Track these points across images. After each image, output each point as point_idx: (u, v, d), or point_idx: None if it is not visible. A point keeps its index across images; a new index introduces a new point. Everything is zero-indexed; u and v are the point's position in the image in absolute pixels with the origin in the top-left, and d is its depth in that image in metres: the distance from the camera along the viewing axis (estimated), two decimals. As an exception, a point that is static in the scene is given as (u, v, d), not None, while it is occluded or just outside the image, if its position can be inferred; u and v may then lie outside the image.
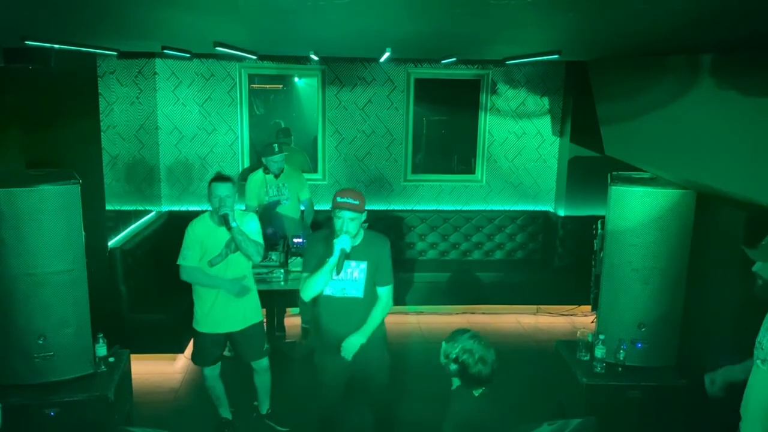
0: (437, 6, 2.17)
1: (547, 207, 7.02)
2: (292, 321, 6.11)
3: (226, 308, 3.99)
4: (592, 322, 5.24)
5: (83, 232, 3.84)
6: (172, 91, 6.40)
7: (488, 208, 6.96)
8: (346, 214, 3.28)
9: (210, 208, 3.91)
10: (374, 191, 6.75)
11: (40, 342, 3.73)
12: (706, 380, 3.13)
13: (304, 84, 8.26)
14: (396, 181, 6.87)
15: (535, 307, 6.68)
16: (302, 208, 5.75)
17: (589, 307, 5.36)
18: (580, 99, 6.25)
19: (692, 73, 3.46)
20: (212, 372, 4.19)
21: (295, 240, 5.26)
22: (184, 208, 6.61)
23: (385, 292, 3.52)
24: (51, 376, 3.80)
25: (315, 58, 6.09)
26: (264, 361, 4.21)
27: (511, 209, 6.97)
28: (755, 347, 2.78)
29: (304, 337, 5.90)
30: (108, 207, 5.64)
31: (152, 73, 6.30)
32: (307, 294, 3.46)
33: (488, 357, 2.79)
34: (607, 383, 4.10)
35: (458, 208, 6.95)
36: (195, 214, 4.08)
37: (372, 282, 3.47)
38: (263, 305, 4.38)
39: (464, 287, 6.49)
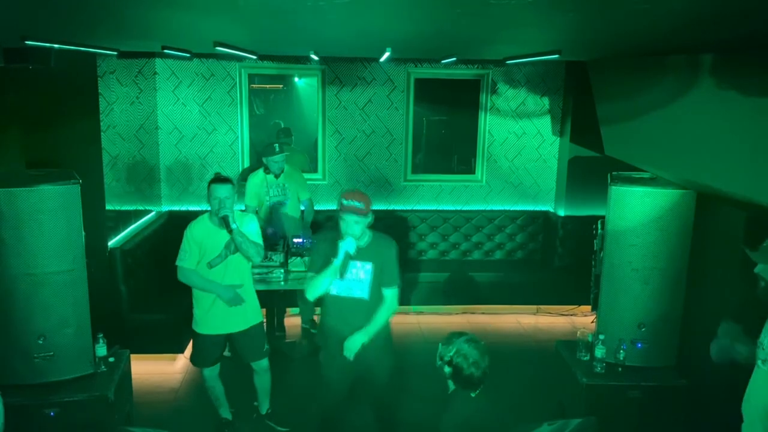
0: (437, 6, 2.16)
1: (547, 207, 7.02)
2: (292, 321, 6.11)
3: (225, 309, 3.98)
4: (592, 322, 5.24)
5: (83, 232, 3.84)
6: (172, 91, 6.40)
7: (488, 208, 6.96)
8: (351, 218, 3.28)
9: (210, 209, 3.91)
10: (374, 191, 6.74)
11: (40, 342, 3.74)
12: (712, 348, 3.10)
13: (304, 84, 8.27)
14: (396, 181, 6.87)
15: (535, 307, 6.68)
16: (302, 208, 5.75)
17: (589, 307, 5.36)
18: (580, 99, 6.25)
19: (692, 73, 3.46)
20: (212, 372, 4.19)
21: (295, 240, 5.25)
22: (184, 208, 6.61)
23: (390, 294, 3.52)
24: (51, 376, 3.80)
25: (315, 58, 6.09)
26: (264, 362, 4.21)
27: (511, 209, 6.97)
28: (757, 347, 2.78)
29: (304, 337, 5.91)
30: (108, 207, 5.65)
31: (152, 73, 6.30)
32: (312, 294, 3.49)
33: (482, 363, 2.80)
34: (607, 383, 4.10)
35: (458, 208, 6.95)
36: (195, 214, 4.08)
37: (378, 283, 3.48)
38: (263, 305, 4.38)
39: (464, 287, 6.48)
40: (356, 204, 3.27)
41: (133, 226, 5.89)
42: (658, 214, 4.06)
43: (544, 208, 7.01)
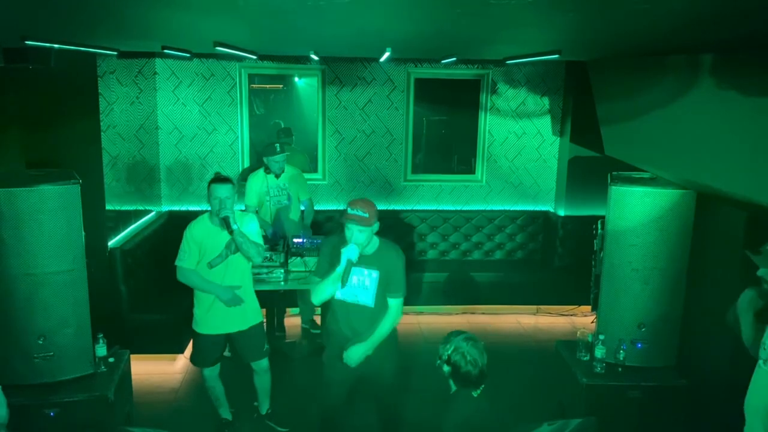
0: (437, 6, 2.16)
1: (547, 207, 7.02)
2: (292, 321, 6.11)
3: (225, 309, 3.98)
4: (592, 322, 5.24)
5: (83, 232, 3.84)
6: (172, 91, 6.40)
7: (488, 208, 6.96)
8: (355, 226, 3.28)
9: (210, 209, 3.91)
10: (374, 191, 6.75)
11: (40, 342, 3.74)
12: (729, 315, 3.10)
13: (304, 84, 8.26)
14: (396, 181, 6.87)
15: (535, 307, 6.68)
16: (302, 208, 5.75)
17: (589, 307, 5.36)
18: (580, 99, 6.25)
19: (692, 73, 3.46)
20: (212, 373, 4.19)
21: (295, 240, 5.25)
22: (184, 208, 6.60)
23: (394, 304, 3.50)
24: (51, 377, 3.80)
25: (315, 58, 6.09)
26: (264, 362, 4.21)
27: (511, 209, 6.96)
28: (759, 347, 2.78)
29: (304, 337, 5.91)
30: (108, 207, 5.64)
31: (152, 73, 6.30)
32: (317, 299, 3.50)
33: (479, 361, 2.80)
34: (607, 383, 4.10)
35: (458, 208, 6.94)
36: (195, 214, 4.07)
37: (383, 292, 3.46)
38: (263, 305, 4.38)
39: (464, 287, 6.48)
40: (360, 213, 3.25)
41: (133, 226, 5.89)
42: (658, 214, 4.06)
43: (544, 208, 7.01)
